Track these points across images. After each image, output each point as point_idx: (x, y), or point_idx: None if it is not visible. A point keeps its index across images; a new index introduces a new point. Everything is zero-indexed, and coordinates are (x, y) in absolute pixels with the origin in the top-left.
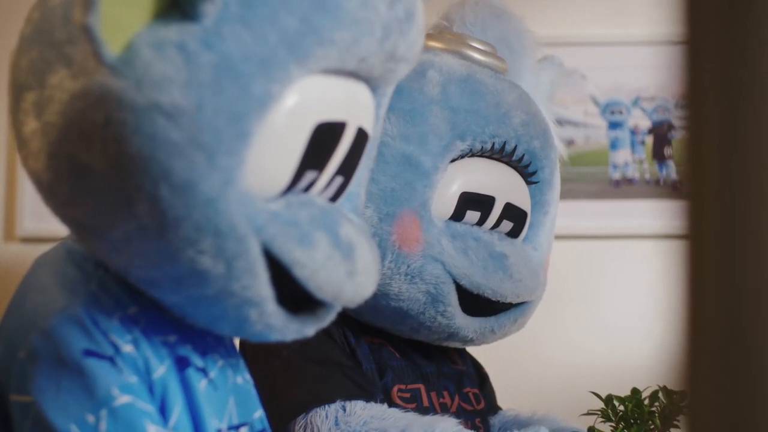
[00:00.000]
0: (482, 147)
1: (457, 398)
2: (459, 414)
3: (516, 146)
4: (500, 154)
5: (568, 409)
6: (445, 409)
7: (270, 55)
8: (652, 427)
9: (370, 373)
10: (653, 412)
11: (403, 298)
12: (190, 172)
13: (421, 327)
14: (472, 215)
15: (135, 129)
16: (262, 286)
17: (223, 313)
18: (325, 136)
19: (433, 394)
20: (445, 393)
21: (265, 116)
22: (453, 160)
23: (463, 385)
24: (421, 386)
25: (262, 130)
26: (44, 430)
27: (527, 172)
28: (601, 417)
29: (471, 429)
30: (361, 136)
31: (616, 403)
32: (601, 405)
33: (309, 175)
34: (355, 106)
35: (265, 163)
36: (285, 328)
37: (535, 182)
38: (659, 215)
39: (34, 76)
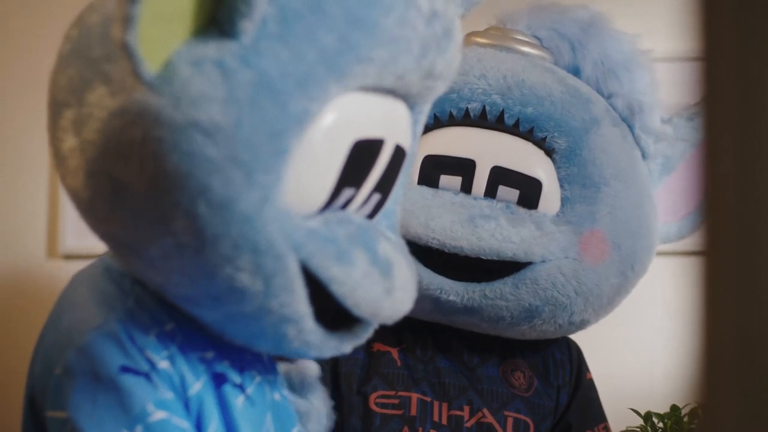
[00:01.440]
0: (454, 114)
1: (480, 415)
2: (471, 430)
3: (503, 111)
4: (486, 121)
5: (609, 426)
6: (457, 422)
7: (308, 73)
8: None
9: (351, 377)
10: (693, 429)
11: None
12: (228, 189)
13: None
14: (451, 180)
15: (173, 146)
16: (300, 304)
17: (261, 331)
18: (363, 154)
19: (444, 405)
20: (466, 408)
21: (303, 134)
22: (424, 133)
23: (507, 407)
24: (414, 395)
25: (300, 147)
26: None
27: (535, 140)
28: None
29: None
30: (399, 154)
31: (655, 420)
32: (640, 422)
33: (347, 193)
34: (392, 124)
35: (303, 180)
36: (323, 345)
37: (553, 151)
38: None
39: (72, 93)
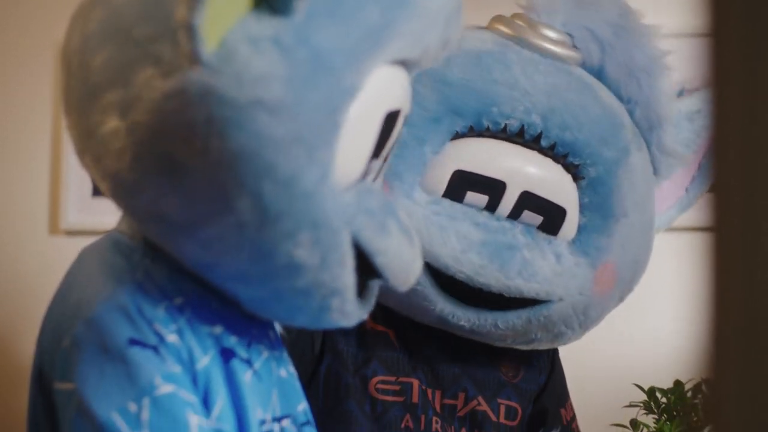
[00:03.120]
0: (491, 127)
1: (475, 403)
2: (465, 420)
3: (542, 132)
4: (521, 139)
5: (611, 401)
6: (450, 411)
7: (356, 48)
8: (695, 419)
9: (345, 356)
10: (696, 404)
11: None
12: (292, 166)
13: (404, 303)
14: (477, 198)
15: (238, 126)
16: (348, 276)
17: (306, 305)
18: (388, 125)
19: (438, 393)
20: (461, 395)
21: (350, 108)
22: (455, 138)
23: (500, 395)
24: (415, 381)
25: (346, 122)
26: (86, 418)
27: (569, 166)
28: (644, 409)
29: None
30: (404, 121)
31: (658, 395)
32: (643, 397)
33: (374, 164)
34: (405, 93)
35: (346, 154)
36: (354, 314)
37: (581, 178)
38: (698, 207)
39: (113, 75)
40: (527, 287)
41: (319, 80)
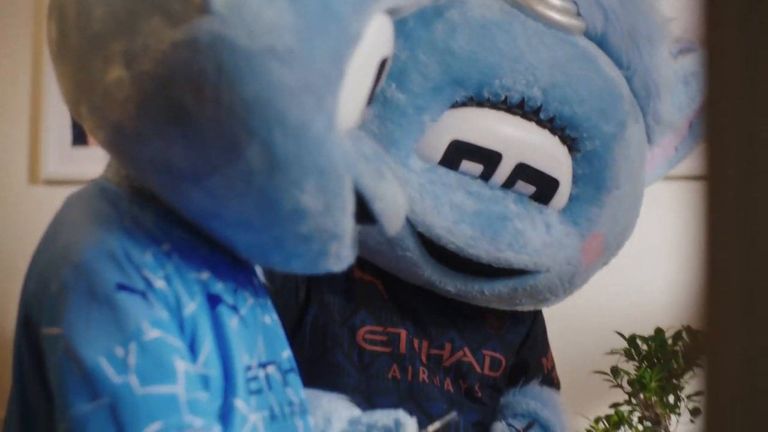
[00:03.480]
0: (491, 99)
1: (461, 354)
2: (450, 370)
3: (541, 106)
4: (521, 111)
5: (592, 349)
6: (436, 361)
7: None
8: (675, 366)
9: (332, 307)
10: (677, 351)
11: (363, 232)
12: (302, 114)
13: (392, 265)
14: (472, 166)
15: (251, 74)
16: (349, 221)
17: (305, 251)
18: (380, 72)
19: (424, 343)
20: (447, 345)
21: (353, 56)
22: (454, 107)
23: (486, 346)
24: (403, 332)
25: (349, 69)
26: (73, 363)
27: (565, 138)
28: (625, 356)
29: (466, 391)
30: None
31: (639, 342)
32: (624, 344)
33: (366, 111)
34: (392, 39)
35: (348, 101)
36: (347, 258)
37: (577, 150)
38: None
39: (118, 24)
40: (516, 259)
41: (327, 28)
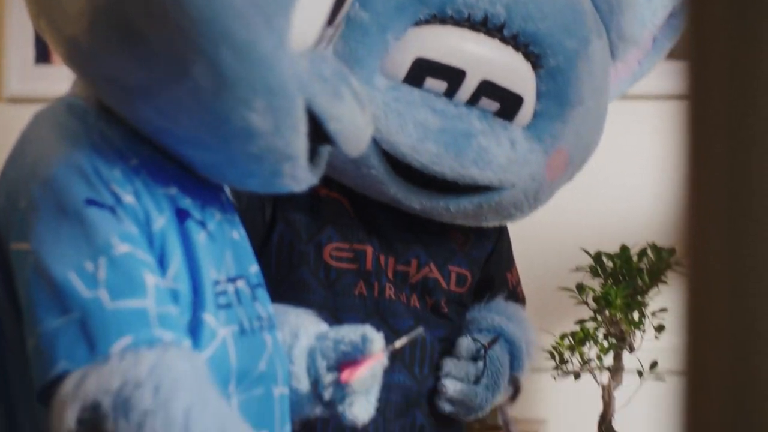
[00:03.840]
0: (454, 16)
1: (427, 270)
2: (416, 286)
3: (505, 22)
4: (485, 28)
5: (558, 266)
6: (402, 278)
7: None
8: (640, 283)
9: (298, 224)
10: (641, 269)
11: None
12: (250, 33)
13: (358, 183)
14: (436, 84)
15: None
16: (301, 142)
17: (258, 170)
18: None
19: (390, 259)
20: (413, 261)
21: None
22: (417, 24)
23: (451, 262)
24: (369, 248)
25: None
26: (42, 278)
27: (529, 55)
28: (590, 273)
29: (432, 307)
30: None
31: (605, 259)
32: (590, 262)
33: (327, 32)
34: None
35: (303, 20)
36: (305, 179)
37: (541, 67)
38: (659, 75)
39: None
40: (481, 176)
41: None
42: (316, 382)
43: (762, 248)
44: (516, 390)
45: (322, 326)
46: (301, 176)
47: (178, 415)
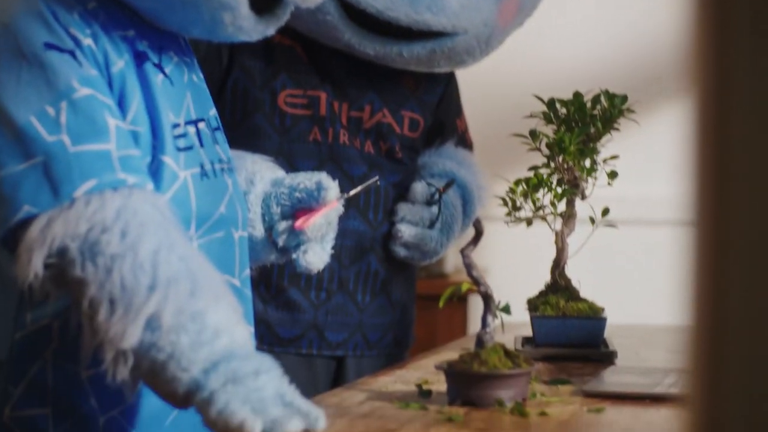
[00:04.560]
0: None
1: (381, 115)
2: (370, 131)
3: None
4: None
5: (511, 112)
6: (356, 123)
7: None
8: (593, 130)
9: (253, 71)
10: (595, 115)
11: None
12: None
13: (312, 29)
14: None
15: None
16: None
17: (198, 17)
18: None
19: (344, 105)
20: (367, 107)
21: None
22: None
23: (404, 107)
24: (323, 94)
25: None
26: (5, 124)
27: None
28: (544, 119)
29: (386, 152)
30: None
31: (558, 105)
32: (543, 108)
33: None
34: None
35: None
36: (253, 29)
37: None
38: None
39: None
40: (435, 21)
41: None
42: (270, 229)
43: None
44: (478, 233)
45: (278, 172)
46: (245, 26)
47: (146, 259)
